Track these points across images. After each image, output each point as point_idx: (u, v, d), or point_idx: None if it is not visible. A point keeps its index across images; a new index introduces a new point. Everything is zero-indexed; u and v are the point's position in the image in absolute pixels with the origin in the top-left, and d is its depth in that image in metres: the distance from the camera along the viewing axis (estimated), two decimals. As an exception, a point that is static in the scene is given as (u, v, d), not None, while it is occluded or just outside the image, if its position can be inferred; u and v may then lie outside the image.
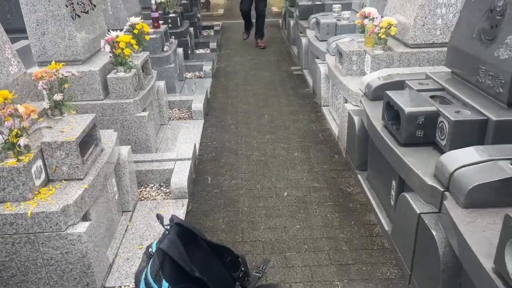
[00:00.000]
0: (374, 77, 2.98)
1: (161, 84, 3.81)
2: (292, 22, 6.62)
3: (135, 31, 3.46)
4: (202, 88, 4.68)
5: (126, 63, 3.06)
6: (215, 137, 3.72)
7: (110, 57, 3.05)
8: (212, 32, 7.77)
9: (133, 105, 3.04)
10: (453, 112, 2.10)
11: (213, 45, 6.56)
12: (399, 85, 2.73)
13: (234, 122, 4.02)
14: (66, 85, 2.29)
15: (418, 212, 1.91)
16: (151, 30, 4.30)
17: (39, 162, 1.93)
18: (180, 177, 2.79)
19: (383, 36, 3.28)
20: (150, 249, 1.77)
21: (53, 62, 2.27)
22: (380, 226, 2.44)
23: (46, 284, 1.93)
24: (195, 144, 3.30)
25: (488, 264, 1.41)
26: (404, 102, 2.28)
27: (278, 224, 2.52)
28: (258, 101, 4.54)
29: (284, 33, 7.61)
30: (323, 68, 4.15)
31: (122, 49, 2.96)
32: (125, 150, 2.59)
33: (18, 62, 2.29)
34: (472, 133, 2.04)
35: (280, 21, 8.22)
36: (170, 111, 4.13)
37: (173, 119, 4.03)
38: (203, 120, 4.00)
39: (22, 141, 1.81)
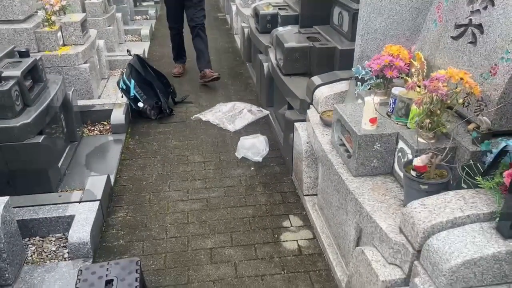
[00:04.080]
0: (258, 4, 4.85)
1: (119, 14, 5.48)
2: (220, -19, 8.36)
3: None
4: (148, 23, 6.37)
5: (97, -7, 4.72)
6: (158, 49, 5.48)
7: (87, -11, 4.70)
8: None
9: (102, 21, 4.73)
10: (283, 12, 4.01)
11: (157, -2, 8.18)
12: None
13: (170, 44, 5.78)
14: (67, -3, 3.95)
15: (263, 63, 3.81)
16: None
17: (60, 33, 3.63)
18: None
19: (265, -20, 5.15)
20: (122, 71, 3.54)
21: (60, -17, 3.92)
22: (252, 81, 4.36)
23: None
24: (144, 48, 5.06)
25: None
26: (260, 8, 4.17)
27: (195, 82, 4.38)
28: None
29: (216, -8, 9.33)
30: (234, 7, 5.98)
31: (95, -17, 4.62)
32: (102, 42, 4.32)
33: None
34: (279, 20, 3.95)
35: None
36: (125, 36, 5.80)
37: (127, 41, 5.71)
38: (149, 42, 5.72)
39: (53, 18, 3.50)
